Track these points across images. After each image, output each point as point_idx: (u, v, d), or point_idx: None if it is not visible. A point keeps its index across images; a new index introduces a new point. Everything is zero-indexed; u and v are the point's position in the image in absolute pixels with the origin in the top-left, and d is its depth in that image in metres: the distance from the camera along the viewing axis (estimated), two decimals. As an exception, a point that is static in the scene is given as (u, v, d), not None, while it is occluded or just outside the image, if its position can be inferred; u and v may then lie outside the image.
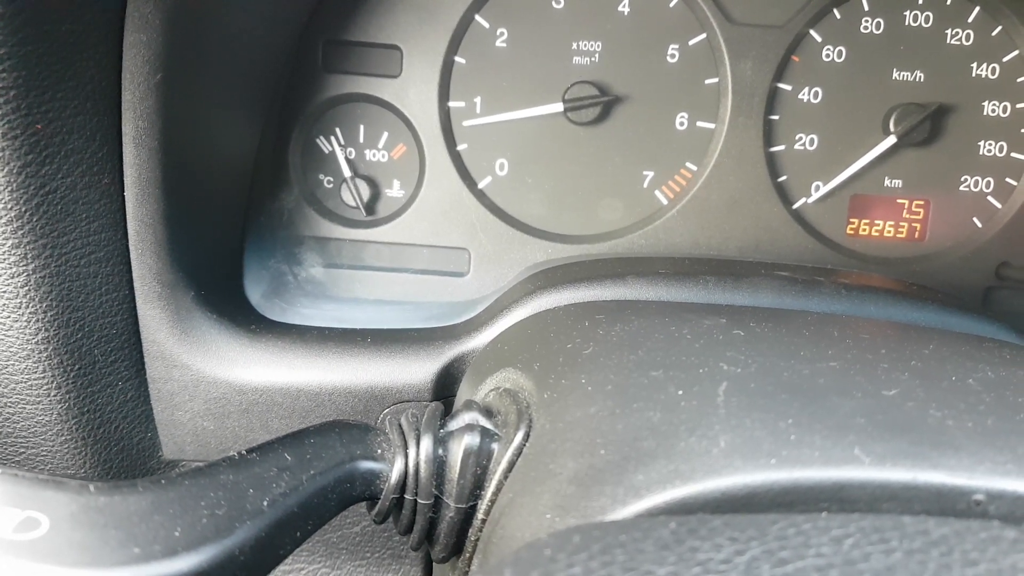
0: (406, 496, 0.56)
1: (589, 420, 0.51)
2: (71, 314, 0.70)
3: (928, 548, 0.36)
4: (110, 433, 0.76)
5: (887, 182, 1.08)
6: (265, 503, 0.50)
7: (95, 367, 0.73)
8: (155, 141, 0.73)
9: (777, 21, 1.03)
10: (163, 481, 0.49)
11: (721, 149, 1.05)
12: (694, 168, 1.07)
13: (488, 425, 0.57)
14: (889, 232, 1.09)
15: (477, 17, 1.03)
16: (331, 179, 1.06)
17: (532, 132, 1.05)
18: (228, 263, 0.94)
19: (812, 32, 1.04)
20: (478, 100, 1.05)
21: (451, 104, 1.05)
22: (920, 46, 1.05)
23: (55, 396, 0.71)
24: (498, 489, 0.53)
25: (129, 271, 0.75)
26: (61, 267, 0.69)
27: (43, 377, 0.70)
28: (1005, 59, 1.05)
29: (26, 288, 0.68)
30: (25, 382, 0.71)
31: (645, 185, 1.08)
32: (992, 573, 0.35)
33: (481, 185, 1.07)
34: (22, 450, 0.75)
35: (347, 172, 1.05)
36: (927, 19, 1.05)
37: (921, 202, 1.09)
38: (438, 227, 1.06)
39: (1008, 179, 1.08)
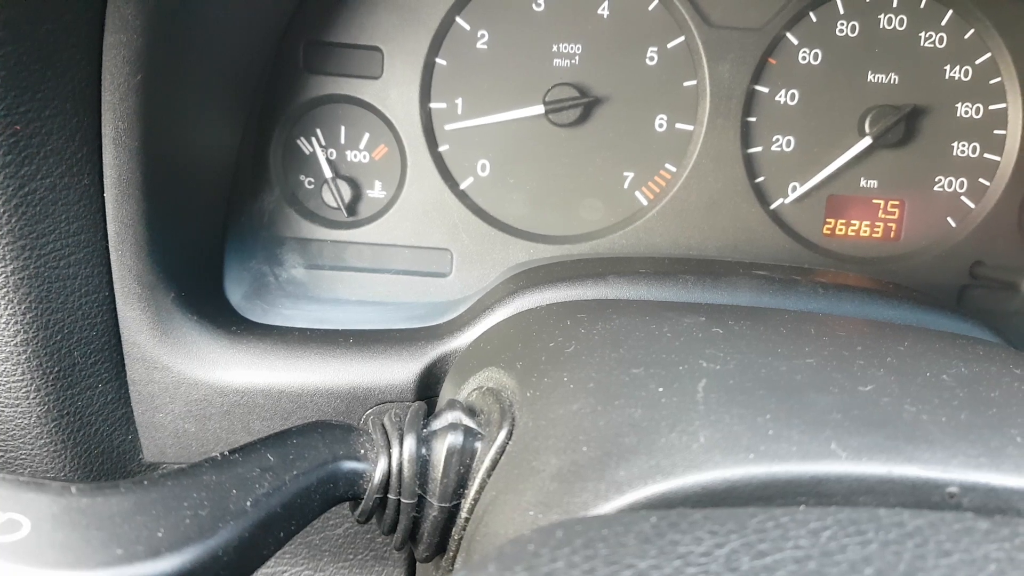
0: (389, 496, 0.56)
1: (571, 417, 0.52)
2: (50, 316, 0.70)
3: (903, 539, 0.37)
4: (90, 436, 0.75)
5: (863, 183, 1.10)
6: (248, 503, 0.50)
7: (75, 369, 0.72)
8: (135, 142, 0.73)
9: (754, 24, 1.04)
10: (145, 482, 0.49)
11: (700, 150, 1.06)
12: (673, 169, 1.08)
13: (471, 424, 0.57)
14: (865, 232, 1.11)
15: (458, 19, 1.03)
16: (312, 180, 1.06)
17: (514, 133, 1.06)
18: (208, 264, 0.94)
19: (789, 35, 1.05)
20: (459, 101, 1.05)
21: (432, 105, 1.05)
22: (895, 49, 1.06)
23: (34, 399, 0.70)
24: (481, 487, 0.53)
25: (109, 272, 0.75)
26: (40, 269, 0.68)
27: (22, 380, 0.69)
28: (977, 61, 1.07)
29: (4, 290, 0.67)
30: (4, 385, 0.70)
31: (625, 186, 1.09)
32: (965, 563, 0.35)
33: (463, 186, 1.07)
34: (1, 453, 0.74)
35: (328, 173, 1.05)
36: (901, 22, 1.06)
37: (896, 202, 1.10)
38: (420, 228, 1.06)
39: (981, 179, 1.10)
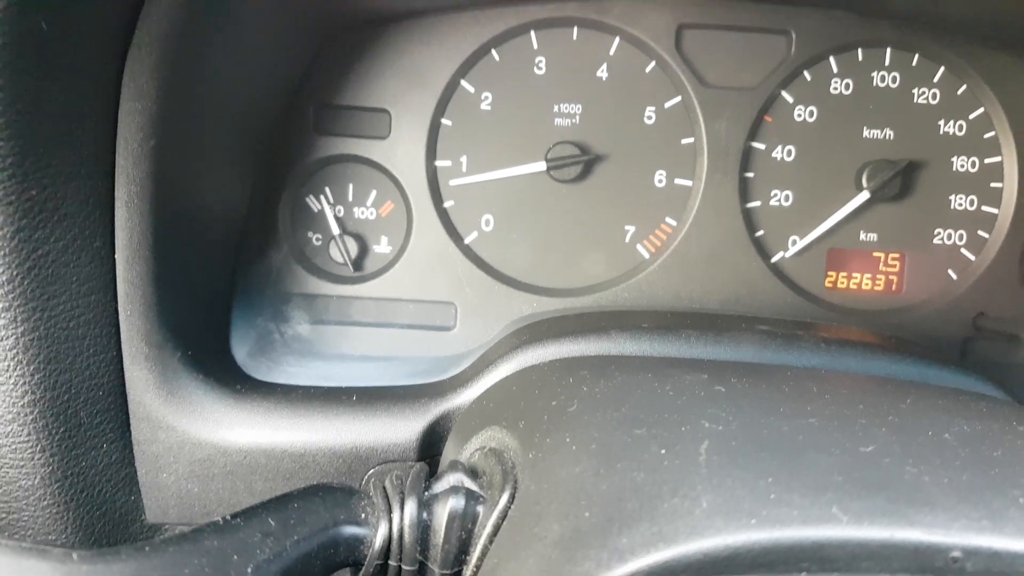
0: (390, 562, 0.56)
1: (574, 481, 0.52)
2: (58, 376, 0.70)
3: (906, 607, 0.37)
4: (93, 497, 0.75)
5: (862, 236, 1.11)
6: (249, 570, 0.49)
7: (80, 430, 0.73)
8: (147, 204, 0.75)
9: (749, 83, 1.07)
10: (147, 548, 0.49)
11: (699, 205, 1.08)
12: (674, 223, 1.10)
13: (473, 487, 0.57)
14: (867, 285, 1.12)
15: (463, 82, 1.06)
16: (319, 236, 1.08)
17: (517, 189, 1.08)
18: (215, 322, 0.95)
19: (784, 93, 1.08)
20: (464, 159, 1.07)
21: (438, 163, 1.07)
22: (889, 105, 1.09)
23: (39, 460, 0.71)
24: (483, 554, 0.53)
25: (117, 332, 0.75)
26: (50, 329, 0.69)
27: (28, 441, 0.70)
28: (971, 116, 1.09)
29: (14, 351, 0.68)
30: (9, 446, 0.70)
31: (627, 239, 1.10)
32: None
33: (467, 240, 1.09)
34: (3, 515, 0.74)
35: (336, 230, 1.06)
36: (894, 79, 1.09)
37: (897, 255, 1.11)
38: (425, 282, 1.08)
39: (980, 232, 1.11)
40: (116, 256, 0.74)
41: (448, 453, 0.72)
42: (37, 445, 0.70)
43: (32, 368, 0.68)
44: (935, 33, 1.06)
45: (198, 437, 0.78)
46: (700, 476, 0.49)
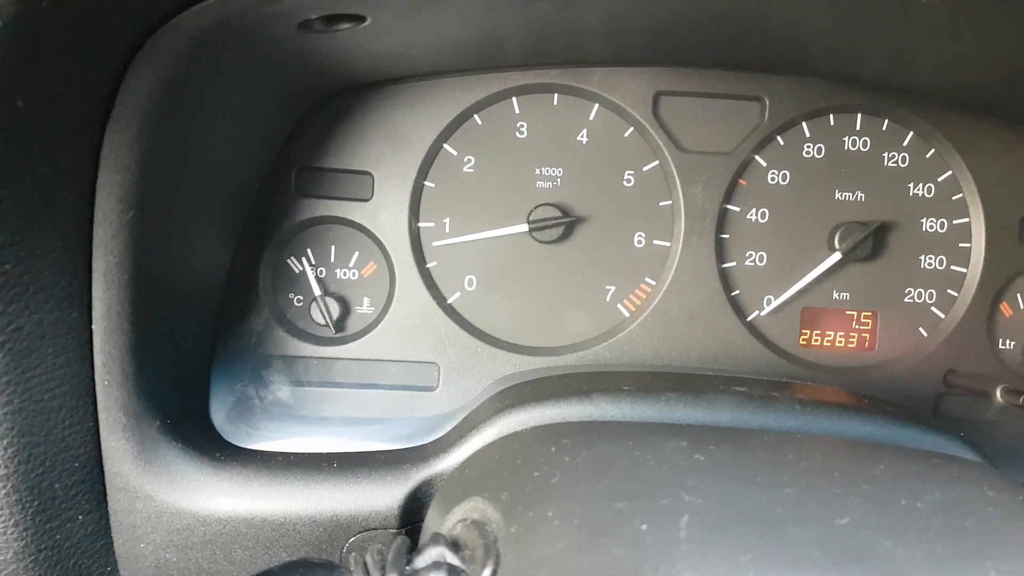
0: (372, 640, 0.55)
1: (556, 557, 0.52)
2: (32, 449, 0.69)
3: None
4: (68, 569, 0.73)
5: (835, 295, 1.13)
6: (228, 654, 0.49)
7: (55, 502, 0.71)
8: (125, 275, 0.74)
9: (724, 148, 1.10)
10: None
11: (677, 265, 1.10)
12: (653, 283, 1.11)
13: (455, 561, 0.57)
14: (840, 342, 1.14)
15: (445, 146, 1.08)
16: (301, 298, 1.08)
17: (499, 250, 1.09)
18: (194, 388, 0.94)
19: (757, 158, 1.11)
20: (447, 221, 1.09)
21: (421, 225, 1.09)
22: (860, 168, 1.12)
23: (12, 534, 0.69)
24: (465, 635, 0.53)
25: (94, 403, 0.74)
26: (25, 403, 0.68)
27: (0, 516, 0.68)
28: (939, 179, 1.13)
29: (-12, 425, 0.67)
30: (-19, 520, 0.69)
31: (608, 299, 1.11)
32: None
33: (450, 300, 1.10)
34: (-27, 590, 0.72)
35: (317, 291, 1.07)
36: (865, 144, 1.12)
37: (869, 314, 1.14)
38: (407, 342, 1.08)
39: (949, 290, 1.14)
40: (93, 327, 0.73)
41: (430, 523, 0.72)
42: (10, 520, 0.69)
43: (6, 443, 0.67)
44: (904, 99, 1.10)
45: (176, 506, 0.77)
46: (680, 552, 0.50)
